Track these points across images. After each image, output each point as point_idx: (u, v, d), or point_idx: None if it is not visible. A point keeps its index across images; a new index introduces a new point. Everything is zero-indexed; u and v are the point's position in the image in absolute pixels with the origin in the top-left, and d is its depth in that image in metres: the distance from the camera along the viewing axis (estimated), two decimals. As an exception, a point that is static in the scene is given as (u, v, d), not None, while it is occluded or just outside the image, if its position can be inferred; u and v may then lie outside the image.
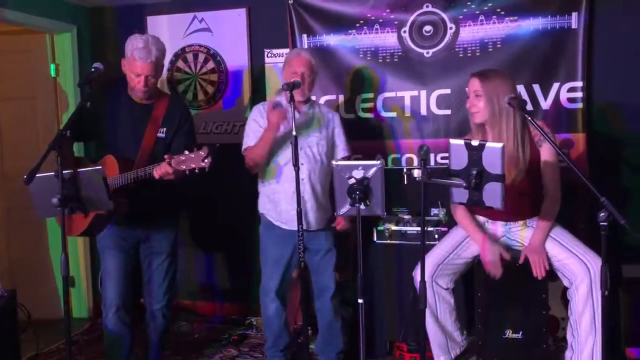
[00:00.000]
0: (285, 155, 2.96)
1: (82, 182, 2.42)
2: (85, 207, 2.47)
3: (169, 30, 4.03)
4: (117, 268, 2.90)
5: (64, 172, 2.34)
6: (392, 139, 3.72)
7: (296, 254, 3.04)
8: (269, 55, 3.88)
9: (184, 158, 2.52)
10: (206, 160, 2.49)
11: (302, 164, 2.90)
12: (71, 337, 3.30)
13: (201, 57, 4.03)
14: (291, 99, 2.71)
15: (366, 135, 3.73)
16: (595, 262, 2.55)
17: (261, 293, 3.17)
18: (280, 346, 3.17)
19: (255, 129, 3.02)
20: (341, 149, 3.17)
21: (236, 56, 3.96)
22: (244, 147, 3.06)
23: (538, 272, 2.68)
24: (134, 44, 2.71)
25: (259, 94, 3.91)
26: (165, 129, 2.84)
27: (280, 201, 3.02)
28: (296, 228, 2.83)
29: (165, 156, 2.57)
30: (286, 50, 3.76)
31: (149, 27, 4.06)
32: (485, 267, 2.74)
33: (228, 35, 3.95)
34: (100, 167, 2.49)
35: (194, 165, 2.51)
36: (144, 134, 2.80)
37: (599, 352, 2.44)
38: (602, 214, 2.04)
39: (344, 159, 3.13)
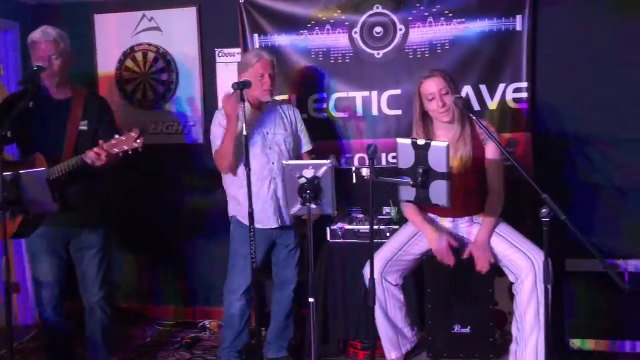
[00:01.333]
0: (254, 157, 2.98)
1: (25, 185, 2.36)
2: (27, 210, 2.41)
3: (118, 29, 3.95)
4: (51, 273, 2.86)
5: (5, 174, 2.28)
6: (345, 139, 3.74)
7: (270, 252, 3.18)
8: (220, 55, 3.84)
9: (115, 142, 2.59)
10: (138, 141, 2.57)
11: (273, 163, 3.04)
12: (15, 345, 3.21)
13: (151, 56, 3.95)
14: (242, 98, 2.70)
15: (319, 136, 3.73)
16: (539, 257, 2.62)
17: (227, 291, 3.17)
18: (238, 347, 3.17)
19: (222, 132, 3.00)
20: (305, 143, 3.26)
21: (187, 56, 3.90)
22: (214, 150, 3.06)
23: (481, 266, 2.76)
24: (33, 34, 2.77)
25: (210, 94, 3.88)
26: (86, 121, 2.83)
27: (256, 201, 3.01)
28: (271, 226, 3.04)
29: (100, 142, 2.61)
30: (237, 50, 3.75)
31: (97, 26, 3.97)
32: (437, 257, 2.79)
33: (178, 35, 3.89)
34: (44, 168, 2.45)
35: (126, 147, 2.58)
36: (66, 129, 2.78)
37: (542, 344, 2.51)
38: (544, 211, 2.12)
39: (304, 151, 3.27)
